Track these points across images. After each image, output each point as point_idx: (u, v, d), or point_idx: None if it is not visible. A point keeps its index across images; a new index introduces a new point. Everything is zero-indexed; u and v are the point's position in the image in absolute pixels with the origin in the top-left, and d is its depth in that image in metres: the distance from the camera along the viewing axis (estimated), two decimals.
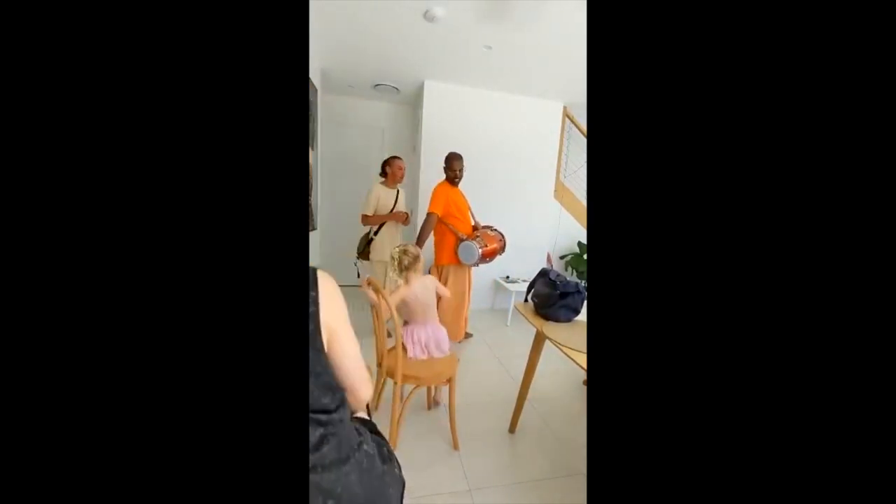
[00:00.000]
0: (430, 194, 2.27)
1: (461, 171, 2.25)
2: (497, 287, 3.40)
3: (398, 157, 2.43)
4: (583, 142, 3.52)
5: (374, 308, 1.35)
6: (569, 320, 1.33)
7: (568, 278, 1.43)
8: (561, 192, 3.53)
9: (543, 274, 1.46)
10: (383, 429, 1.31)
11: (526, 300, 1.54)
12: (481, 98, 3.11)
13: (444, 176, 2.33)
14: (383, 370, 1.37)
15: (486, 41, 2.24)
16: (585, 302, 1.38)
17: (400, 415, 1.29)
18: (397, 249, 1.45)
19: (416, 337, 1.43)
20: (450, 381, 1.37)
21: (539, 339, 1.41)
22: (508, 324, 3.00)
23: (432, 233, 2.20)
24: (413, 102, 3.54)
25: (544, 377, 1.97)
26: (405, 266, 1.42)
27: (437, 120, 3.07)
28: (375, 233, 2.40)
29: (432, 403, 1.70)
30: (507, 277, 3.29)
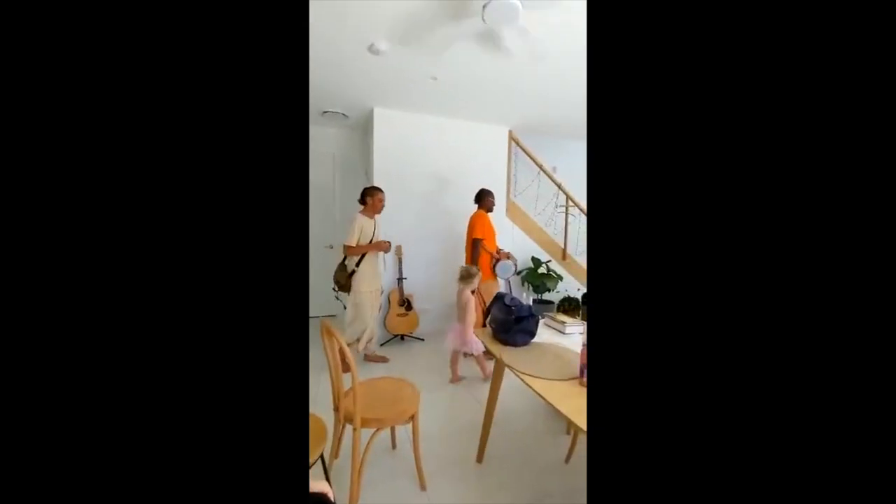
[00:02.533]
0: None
1: (493, 203, 2.69)
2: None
3: (379, 189, 2.44)
4: (529, 163, 3.75)
5: (325, 345, 1.28)
6: (526, 343, 1.37)
7: (521, 300, 1.48)
8: (512, 210, 3.69)
9: (499, 298, 1.50)
10: (344, 478, 1.23)
11: (484, 325, 1.56)
12: (431, 124, 3.19)
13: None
14: (341, 415, 1.29)
15: (431, 73, 2.32)
16: (539, 323, 1.43)
17: (361, 463, 1.22)
18: (462, 267, 2.09)
19: (454, 331, 2.00)
20: (412, 418, 1.33)
21: (500, 365, 1.43)
22: None
23: (466, 250, 2.66)
24: (363, 128, 3.53)
25: (508, 397, 1.99)
26: (462, 277, 2.01)
27: (389, 145, 3.09)
28: (357, 264, 2.33)
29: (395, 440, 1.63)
30: None
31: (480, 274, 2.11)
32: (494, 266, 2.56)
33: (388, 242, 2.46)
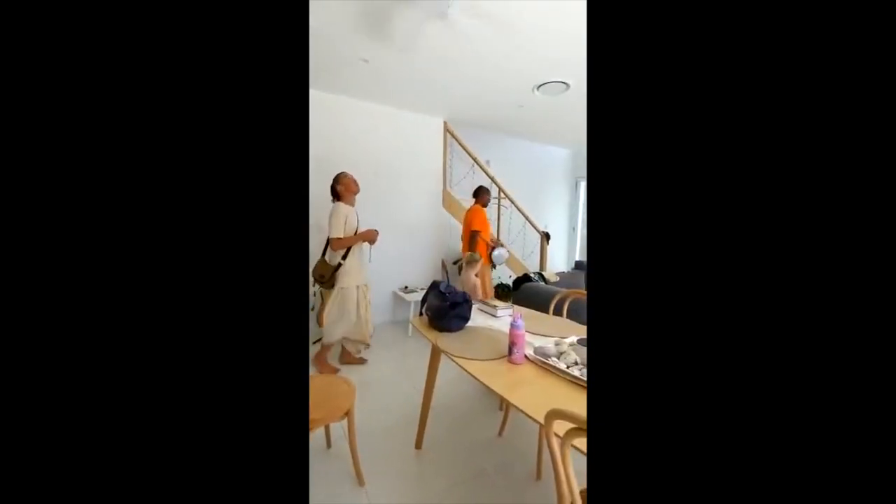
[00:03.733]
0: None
1: (489, 199, 3.12)
2: (395, 298, 3.38)
3: (343, 173, 2.20)
4: (464, 155, 3.83)
5: None
6: (460, 328, 1.41)
7: (456, 286, 1.52)
8: (448, 200, 3.75)
9: (434, 286, 1.51)
10: None
11: (420, 314, 1.57)
12: (364, 110, 3.05)
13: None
14: None
15: (363, 54, 2.20)
16: (473, 308, 1.49)
17: None
18: (468, 254, 2.16)
19: None
20: (348, 414, 1.28)
21: (436, 352, 1.45)
22: (410, 334, 3.01)
23: (462, 240, 3.07)
24: None
25: (447, 383, 2.04)
26: (467, 262, 2.14)
27: (318, 128, 2.87)
28: (343, 257, 2.11)
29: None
30: (406, 288, 3.30)
31: (482, 259, 2.45)
32: (490, 253, 2.99)
33: (377, 231, 2.25)
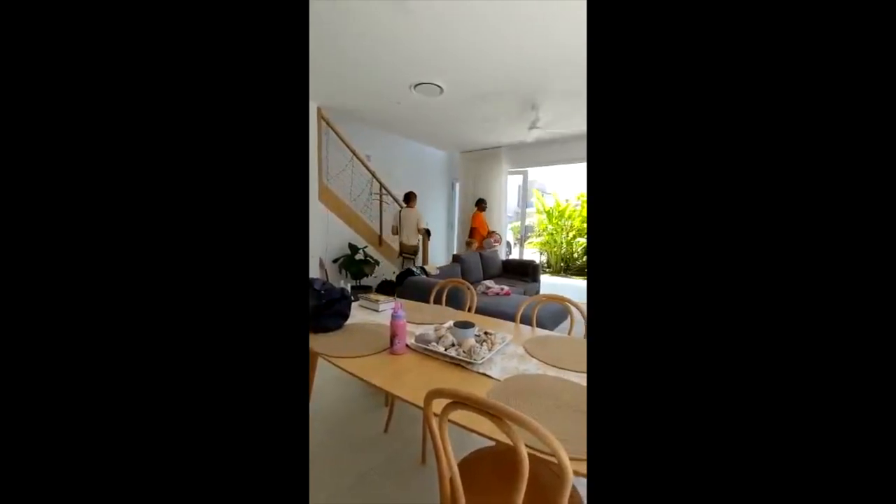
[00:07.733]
0: None
1: (486, 206, 4.62)
2: None
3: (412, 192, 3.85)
4: (342, 147, 3.61)
5: None
6: (339, 327, 1.32)
7: (336, 284, 1.42)
8: (326, 194, 3.47)
9: (308, 285, 1.37)
10: None
11: None
12: None
13: None
14: None
15: None
16: (354, 305, 1.41)
17: None
18: (485, 240, 4.24)
19: None
20: None
21: (312, 357, 1.31)
22: None
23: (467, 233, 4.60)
24: None
25: (326, 387, 1.89)
26: (485, 245, 4.05)
27: None
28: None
29: None
30: None
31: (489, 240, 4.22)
32: (484, 241, 4.31)
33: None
